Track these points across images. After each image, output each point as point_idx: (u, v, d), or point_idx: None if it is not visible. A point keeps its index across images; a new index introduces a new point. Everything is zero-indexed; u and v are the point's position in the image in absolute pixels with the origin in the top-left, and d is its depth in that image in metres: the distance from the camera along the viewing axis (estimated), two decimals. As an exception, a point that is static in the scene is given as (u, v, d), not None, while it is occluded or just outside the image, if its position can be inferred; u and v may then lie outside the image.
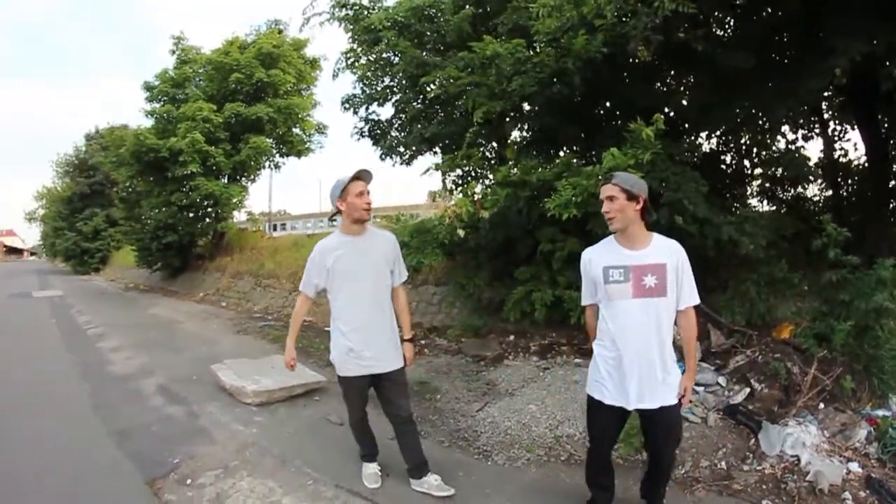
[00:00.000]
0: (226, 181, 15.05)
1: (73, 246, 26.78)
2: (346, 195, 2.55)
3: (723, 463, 3.12)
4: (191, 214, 15.03)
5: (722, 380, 3.93)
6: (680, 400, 2.23)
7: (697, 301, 2.25)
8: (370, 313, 2.64)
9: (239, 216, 17.06)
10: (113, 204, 22.80)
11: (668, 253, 2.19)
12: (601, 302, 2.29)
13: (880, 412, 3.34)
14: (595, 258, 2.27)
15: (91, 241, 26.48)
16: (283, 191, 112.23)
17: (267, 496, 2.81)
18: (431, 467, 2.94)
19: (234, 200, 14.94)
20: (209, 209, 15.11)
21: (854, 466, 2.94)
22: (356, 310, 2.64)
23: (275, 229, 31.04)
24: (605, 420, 2.35)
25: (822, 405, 3.47)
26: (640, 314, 2.15)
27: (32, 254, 67.50)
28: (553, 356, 5.27)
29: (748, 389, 3.75)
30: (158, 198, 14.64)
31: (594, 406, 2.35)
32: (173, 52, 15.92)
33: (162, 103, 14.99)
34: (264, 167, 16.14)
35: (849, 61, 4.00)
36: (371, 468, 3.00)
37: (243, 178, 15.93)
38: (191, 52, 15.89)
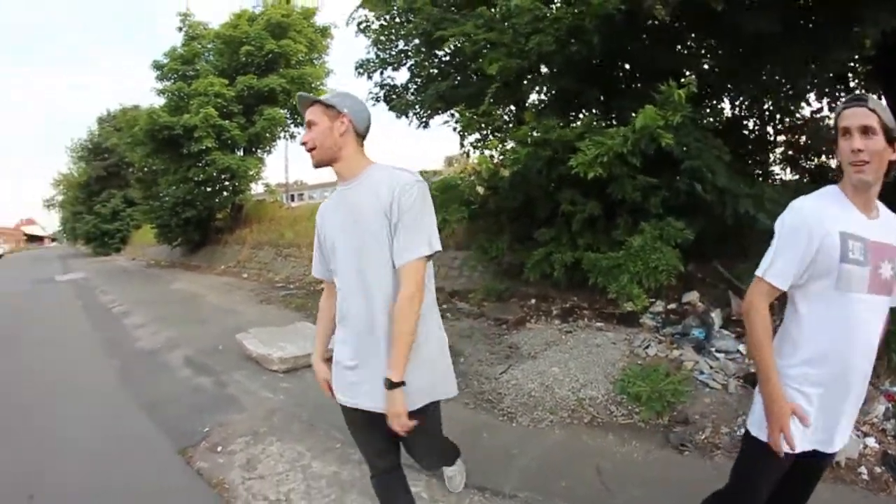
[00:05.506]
0: (242, 154, 15.14)
1: (92, 229, 27.12)
2: None
3: (741, 430, 3.11)
4: (208, 189, 15.16)
5: (742, 347, 3.90)
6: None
7: None
8: (356, 307, 1.59)
9: (256, 188, 17.25)
10: (129, 185, 23.02)
11: None
12: (807, 290, 1.40)
13: (901, 389, 3.28)
14: (826, 215, 1.34)
15: (110, 223, 26.74)
16: (299, 161, 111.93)
17: (297, 460, 2.87)
18: (456, 431, 2.79)
19: (251, 173, 15.04)
20: (226, 183, 15.23)
21: (871, 441, 2.90)
22: (342, 301, 1.66)
23: (293, 199, 31.12)
24: (775, 472, 1.49)
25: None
26: (870, 316, 1.38)
27: (53, 240, 67.92)
28: (575, 319, 5.24)
29: (768, 357, 3.72)
30: (175, 175, 14.78)
31: (765, 454, 1.44)
32: (180, 29, 15.84)
33: (173, 81, 15.00)
34: (280, 138, 16.23)
35: (879, 32, 3.83)
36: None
37: (259, 150, 16.04)
38: (198, 27, 15.81)
